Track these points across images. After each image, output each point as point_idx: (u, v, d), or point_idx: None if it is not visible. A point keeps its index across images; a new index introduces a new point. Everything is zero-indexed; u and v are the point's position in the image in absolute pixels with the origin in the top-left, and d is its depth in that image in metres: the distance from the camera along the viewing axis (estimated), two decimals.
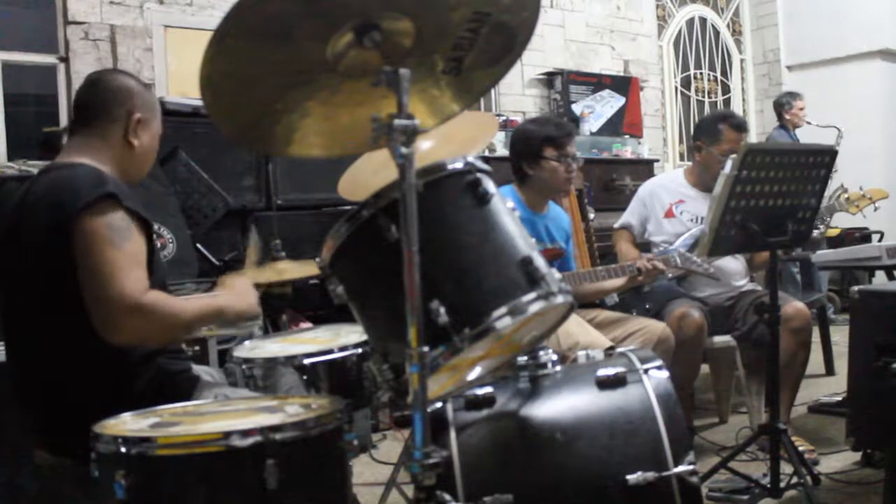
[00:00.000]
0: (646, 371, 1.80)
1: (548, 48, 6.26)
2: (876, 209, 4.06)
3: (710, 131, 3.44)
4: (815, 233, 5.31)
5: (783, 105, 6.31)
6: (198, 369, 1.95)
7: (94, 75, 2.02)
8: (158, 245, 2.82)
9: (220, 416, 1.55)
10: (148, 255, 1.76)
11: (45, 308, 1.76)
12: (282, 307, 3.51)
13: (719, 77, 7.87)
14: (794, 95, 6.34)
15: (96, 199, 1.68)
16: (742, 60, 8.08)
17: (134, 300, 1.63)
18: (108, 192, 1.70)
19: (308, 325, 3.50)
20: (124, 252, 1.66)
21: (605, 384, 1.78)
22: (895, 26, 7.30)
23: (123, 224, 1.70)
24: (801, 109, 6.27)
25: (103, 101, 1.92)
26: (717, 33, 7.86)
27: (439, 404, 1.75)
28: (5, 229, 1.87)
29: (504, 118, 5.48)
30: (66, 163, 1.84)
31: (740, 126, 3.43)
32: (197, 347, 3.00)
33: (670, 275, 3.25)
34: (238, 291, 1.92)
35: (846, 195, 4.06)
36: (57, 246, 1.69)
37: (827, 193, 4.06)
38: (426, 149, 2.46)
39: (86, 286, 1.66)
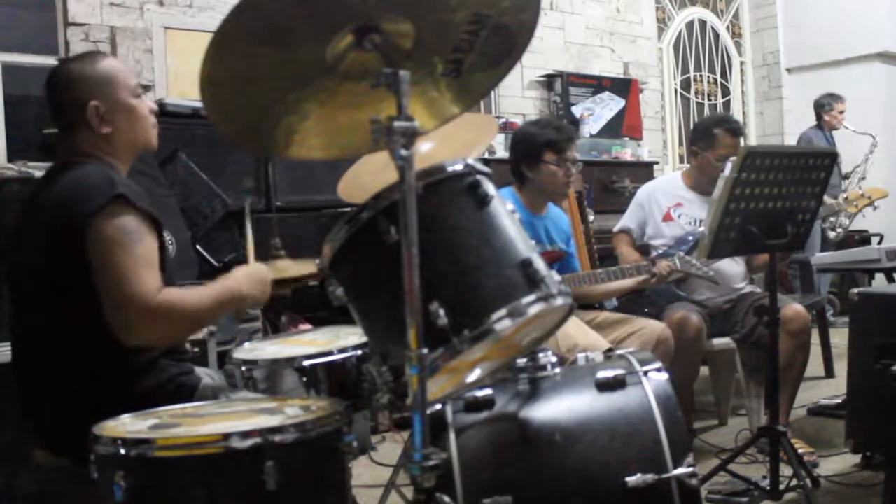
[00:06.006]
0: (645, 373, 1.80)
1: (548, 50, 6.26)
2: (875, 208, 4.06)
3: (705, 136, 3.45)
4: (832, 234, 5.35)
5: (823, 106, 6.23)
6: (199, 371, 1.95)
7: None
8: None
9: (219, 417, 1.55)
10: (160, 253, 1.75)
11: (52, 310, 1.76)
12: (281, 309, 3.51)
13: (719, 79, 7.88)
14: (835, 98, 6.25)
15: (106, 203, 1.68)
16: (742, 63, 8.09)
17: (147, 302, 1.63)
18: (117, 194, 1.69)
19: (307, 326, 3.50)
20: (136, 255, 1.66)
21: (605, 386, 1.78)
22: (894, 29, 7.30)
23: (134, 226, 1.70)
24: (842, 112, 6.22)
25: (56, 109, 1.88)
26: (716, 36, 7.87)
27: (439, 406, 1.74)
28: (15, 231, 1.87)
29: (504, 120, 5.48)
30: (74, 161, 1.83)
31: (736, 131, 3.44)
32: (196, 349, 2.99)
33: (671, 277, 3.25)
34: (253, 275, 1.90)
35: (845, 195, 4.07)
36: (67, 250, 1.69)
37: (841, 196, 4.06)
38: (426, 151, 2.46)
39: (102, 292, 1.66)
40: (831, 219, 5.46)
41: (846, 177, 6.18)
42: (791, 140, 7.66)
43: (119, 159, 1.88)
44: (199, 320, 1.79)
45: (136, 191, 1.76)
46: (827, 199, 3.82)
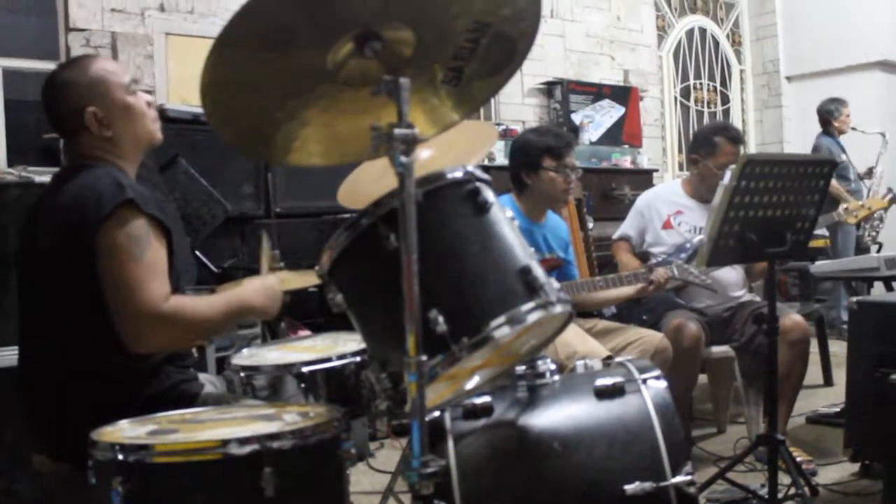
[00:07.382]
0: (644, 381, 1.80)
1: (548, 58, 6.27)
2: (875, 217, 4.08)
3: (706, 144, 3.46)
4: (868, 239, 5.38)
5: (831, 112, 6.22)
6: (202, 378, 1.95)
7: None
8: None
9: (218, 423, 1.55)
10: (169, 257, 1.75)
11: (58, 315, 1.76)
12: (280, 315, 3.50)
13: (719, 87, 7.88)
14: (840, 102, 6.26)
15: (116, 208, 1.68)
16: (742, 71, 8.10)
17: (155, 309, 1.63)
18: (126, 199, 1.69)
19: (306, 332, 3.50)
20: (144, 263, 1.66)
21: (604, 394, 1.78)
22: (894, 37, 7.31)
23: (142, 232, 1.69)
24: (848, 116, 6.23)
25: (54, 118, 1.88)
26: (716, 44, 7.88)
27: (437, 413, 1.74)
28: (25, 235, 1.87)
29: (504, 127, 5.48)
30: (82, 165, 1.82)
31: (736, 138, 3.45)
32: (196, 353, 2.99)
33: (668, 285, 3.25)
34: (264, 288, 1.90)
35: (845, 206, 4.08)
36: (76, 255, 1.69)
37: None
38: (426, 158, 2.46)
39: (109, 298, 1.67)
40: (865, 226, 5.51)
41: (862, 178, 6.19)
42: (790, 148, 7.67)
43: (126, 160, 1.88)
44: (206, 329, 1.79)
45: (144, 195, 1.76)
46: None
